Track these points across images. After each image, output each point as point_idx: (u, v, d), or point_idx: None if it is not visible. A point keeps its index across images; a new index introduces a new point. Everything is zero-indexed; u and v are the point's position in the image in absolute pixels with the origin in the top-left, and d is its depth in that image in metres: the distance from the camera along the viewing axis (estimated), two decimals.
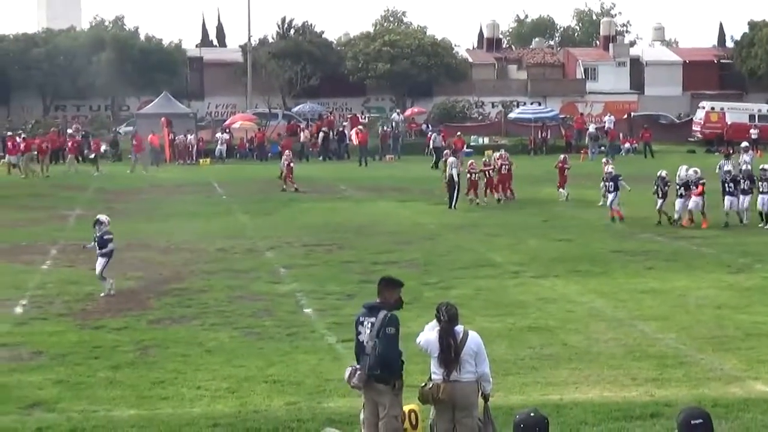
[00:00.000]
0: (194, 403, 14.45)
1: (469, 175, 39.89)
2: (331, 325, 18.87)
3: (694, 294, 21.71)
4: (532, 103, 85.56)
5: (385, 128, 70.39)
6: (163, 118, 66.01)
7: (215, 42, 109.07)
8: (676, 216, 32.49)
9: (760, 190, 31.94)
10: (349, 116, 78.31)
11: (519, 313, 19.93)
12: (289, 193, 43.72)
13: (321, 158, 66.00)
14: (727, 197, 32.64)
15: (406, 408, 11.53)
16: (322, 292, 22.32)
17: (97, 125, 78.55)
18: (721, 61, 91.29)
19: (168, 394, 14.89)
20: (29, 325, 19.54)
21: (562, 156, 43.32)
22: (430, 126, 74.25)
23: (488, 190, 40.26)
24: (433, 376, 11.02)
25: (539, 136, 70.87)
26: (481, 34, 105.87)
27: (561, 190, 39.48)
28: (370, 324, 11.20)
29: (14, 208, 39.78)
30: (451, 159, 39.81)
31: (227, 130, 70.50)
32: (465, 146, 59.57)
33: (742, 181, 32.52)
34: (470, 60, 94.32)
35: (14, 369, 16.38)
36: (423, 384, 11.09)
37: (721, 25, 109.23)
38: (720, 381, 15.23)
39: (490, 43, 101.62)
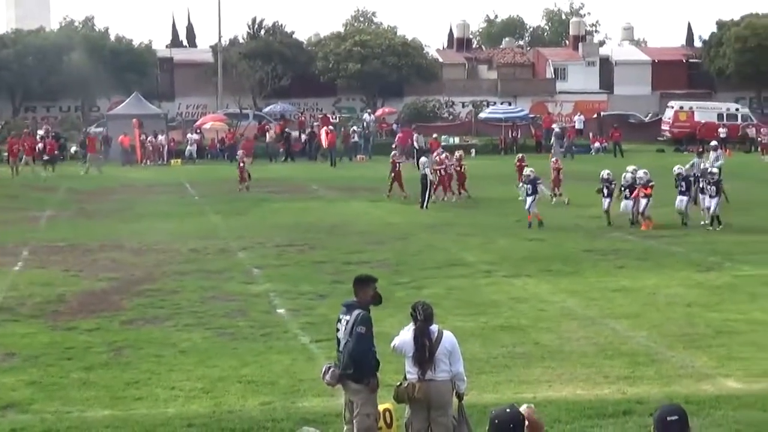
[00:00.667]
0: (168, 404, 14.44)
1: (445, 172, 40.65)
2: (305, 325, 18.89)
3: (665, 292, 21.88)
4: (502, 103, 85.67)
5: (352, 128, 70.58)
6: (134, 119, 65.93)
7: (185, 42, 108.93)
8: (616, 216, 32.59)
9: (709, 194, 31.66)
10: (319, 116, 78.26)
11: (491, 312, 20.00)
12: (262, 194, 43.65)
13: (284, 159, 65.80)
14: (679, 196, 32.44)
15: (381, 407, 11.58)
16: (295, 292, 22.34)
17: (68, 126, 78.22)
18: (690, 60, 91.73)
19: (142, 395, 14.88)
20: (1, 327, 19.44)
21: (519, 155, 44.55)
22: (400, 125, 74.34)
23: (442, 189, 40.66)
24: (408, 376, 11.04)
25: (509, 136, 71.01)
26: (451, 34, 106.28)
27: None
28: (346, 321, 11.26)
29: None
30: (423, 159, 40.11)
31: (198, 131, 70.44)
32: (440, 147, 59.35)
33: (701, 181, 32.47)
34: (440, 60, 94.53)
35: None
36: (398, 383, 11.12)
37: (689, 24, 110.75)
38: (691, 378, 15.35)
39: (460, 43, 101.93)
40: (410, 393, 10.96)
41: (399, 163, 42.47)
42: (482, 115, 79.90)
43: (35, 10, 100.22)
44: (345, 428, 11.20)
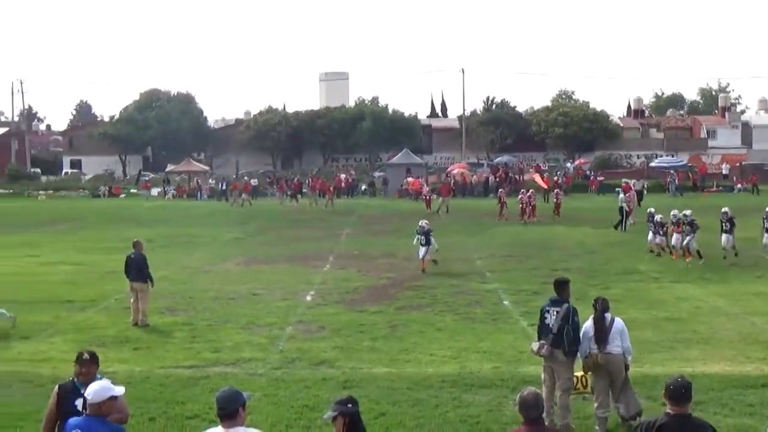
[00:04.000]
0: (428, 365, 14.57)
1: (521, 204, 43.41)
2: (523, 313, 18.75)
3: None
4: (667, 155, 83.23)
5: (557, 173, 69.88)
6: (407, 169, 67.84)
7: (440, 113, 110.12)
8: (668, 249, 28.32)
9: (723, 229, 27.43)
10: (533, 165, 77.92)
11: (659, 308, 19.39)
12: (494, 220, 43.46)
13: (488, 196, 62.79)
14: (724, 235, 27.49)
15: (578, 373, 11.44)
16: (516, 290, 22.20)
17: (360, 171, 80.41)
18: None
19: (410, 358, 15.08)
20: (316, 309, 20.05)
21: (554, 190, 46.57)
22: (592, 172, 73.12)
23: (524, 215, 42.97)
24: (591, 351, 10.97)
25: (672, 179, 68.88)
26: (629, 106, 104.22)
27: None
28: (555, 312, 11.15)
29: (304, 228, 41.13)
30: (621, 196, 39.89)
31: (448, 175, 70.99)
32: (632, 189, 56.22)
33: None
34: (621, 125, 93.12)
35: (307, 338, 16.87)
36: (585, 356, 11.04)
37: None
38: None
39: (636, 112, 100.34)
40: (594, 361, 10.91)
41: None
42: (652, 164, 77.71)
43: (339, 92, 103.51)
44: (543, 387, 11.05)
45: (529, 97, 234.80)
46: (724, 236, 27.51)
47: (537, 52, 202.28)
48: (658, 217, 29.20)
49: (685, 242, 27.12)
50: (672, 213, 28.61)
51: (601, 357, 10.86)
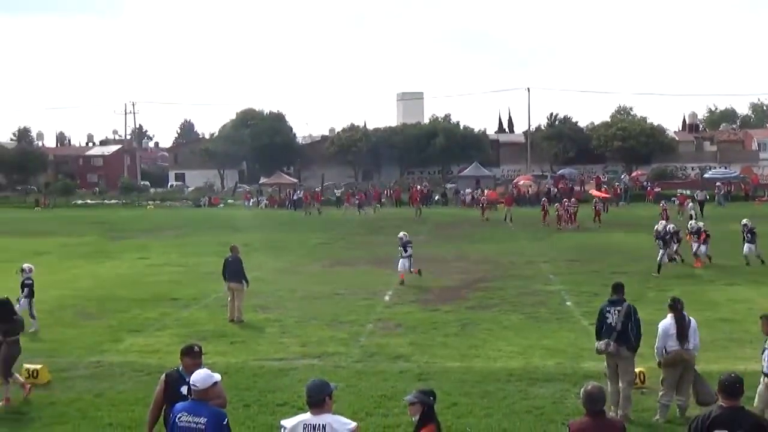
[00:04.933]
0: (496, 360, 14.44)
1: (558, 212, 43.60)
2: (584, 312, 18.40)
3: None
4: (720, 167, 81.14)
5: (615, 185, 68.65)
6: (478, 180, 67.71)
7: (507, 129, 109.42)
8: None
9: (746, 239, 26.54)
10: (593, 177, 76.64)
11: (713, 309, 18.85)
12: (553, 228, 42.82)
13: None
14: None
15: (637, 369, 11.24)
16: (578, 291, 21.84)
17: (433, 183, 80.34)
18: None
19: (479, 354, 14.97)
20: (393, 308, 20.02)
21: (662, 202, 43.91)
22: (649, 183, 71.66)
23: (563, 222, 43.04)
24: (668, 348, 10.78)
25: (725, 189, 66.97)
26: (684, 121, 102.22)
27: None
28: (616, 311, 10.98)
29: (383, 234, 41.09)
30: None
31: (514, 186, 70.47)
32: (688, 200, 54.64)
33: None
34: (676, 138, 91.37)
35: (385, 335, 16.85)
36: (666, 353, 10.85)
37: None
38: None
39: (690, 126, 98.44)
40: (678, 358, 10.72)
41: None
42: (706, 175, 75.77)
43: (414, 110, 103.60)
44: (607, 382, 10.87)
45: (590, 113, 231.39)
46: (746, 246, 26.65)
47: (598, 72, 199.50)
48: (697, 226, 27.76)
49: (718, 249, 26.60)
50: (689, 224, 28.11)
51: (683, 353, 10.74)
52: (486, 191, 63.80)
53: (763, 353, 10.04)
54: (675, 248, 26.73)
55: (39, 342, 16.37)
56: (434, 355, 14.85)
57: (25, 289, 17.40)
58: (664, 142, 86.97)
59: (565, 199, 47.31)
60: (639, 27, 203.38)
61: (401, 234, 24.51)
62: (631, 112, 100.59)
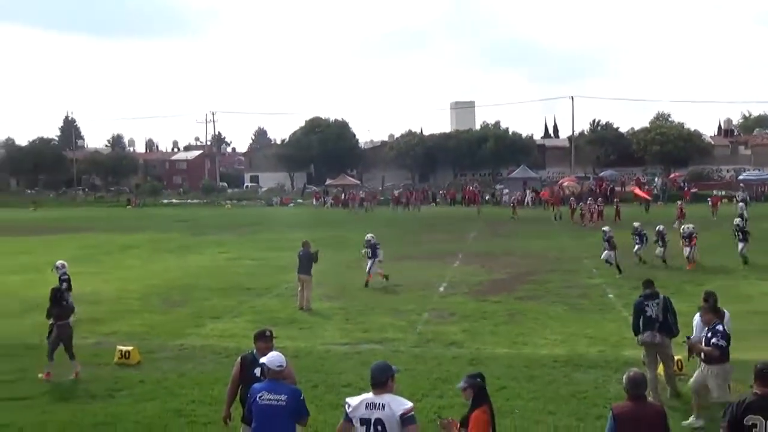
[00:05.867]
0: (542, 348, 14.32)
1: (582, 211, 43.91)
2: (625, 304, 18.00)
3: None
4: (754, 170, 78.78)
5: (653, 186, 67.14)
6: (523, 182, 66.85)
7: (552, 134, 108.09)
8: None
9: (739, 238, 25.45)
10: (633, 178, 75.14)
11: (746, 302, 18.31)
12: (592, 225, 41.94)
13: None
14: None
15: (675, 357, 11.05)
16: (618, 284, 21.50)
17: (485, 184, 79.75)
18: None
19: (526, 341, 14.85)
20: (447, 298, 20.01)
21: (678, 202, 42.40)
22: (686, 184, 69.92)
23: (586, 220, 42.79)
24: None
25: (759, 190, 65.15)
26: (719, 126, 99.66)
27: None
28: (654, 305, 10.83)
29: (437, 231, 41.12)
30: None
31: (559, 186, 69.44)
32: (720, 201, 52.89)
33: None
34: (712, 143, 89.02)
35: (440, 323, 16.84)
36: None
37: None
38: None
39: (726, 132, 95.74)
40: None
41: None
42: (741, 177, 73.70)
43: (466, 117, 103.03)
44: (647, 369, 10.64)
45: (631, 119, 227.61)
46: (740, 244, 25.49)
47: (638, 81, 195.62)
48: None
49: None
50: (682, 228, 26.69)
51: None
52: (517, 193, 63.31)
53: None
54: (662, 251, 25.40)
55: (130, 326, 16.75)
56: (485, 342, 14.78)
57: (64, 284, 16.55)
58: (700, 146, 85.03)
59: (590, 199, 46.73)
60: (676, 39, 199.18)
61: (368, 236, 22.26)
62: (669, 118, 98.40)
